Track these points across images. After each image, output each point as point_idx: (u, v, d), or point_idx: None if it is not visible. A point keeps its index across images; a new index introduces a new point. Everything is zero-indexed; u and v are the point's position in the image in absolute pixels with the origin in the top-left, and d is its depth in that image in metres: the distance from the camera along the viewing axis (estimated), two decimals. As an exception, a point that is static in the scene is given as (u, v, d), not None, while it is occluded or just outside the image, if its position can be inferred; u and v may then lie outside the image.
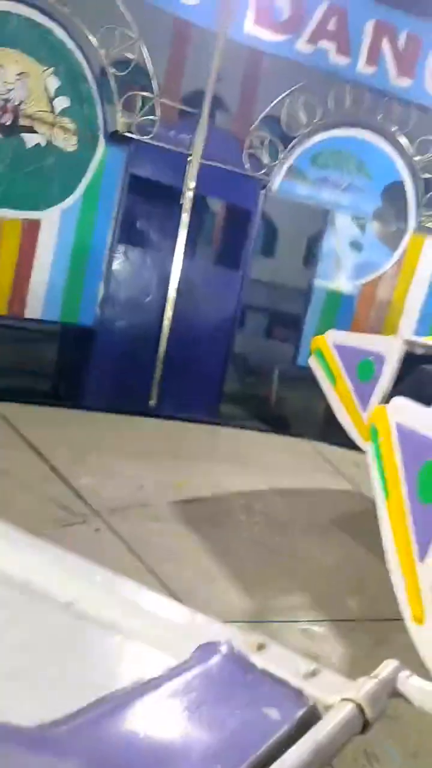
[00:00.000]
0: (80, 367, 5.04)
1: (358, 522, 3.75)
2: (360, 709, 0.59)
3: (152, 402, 5.19)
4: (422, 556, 1.95)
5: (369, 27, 5.10)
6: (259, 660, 0.66)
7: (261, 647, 0.68)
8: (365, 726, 0.59)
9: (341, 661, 2.41)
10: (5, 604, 0.74)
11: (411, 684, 0.64)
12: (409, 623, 1.95)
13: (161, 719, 0.59)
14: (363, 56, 5.15)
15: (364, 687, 0.61)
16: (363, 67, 5.17)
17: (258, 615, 2.57)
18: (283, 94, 5.09)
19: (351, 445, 3.80)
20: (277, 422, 5.87)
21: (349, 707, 0.59)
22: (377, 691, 0.61)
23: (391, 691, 0.64)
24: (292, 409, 6.73)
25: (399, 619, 2.06)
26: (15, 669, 0.64)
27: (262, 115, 5.16)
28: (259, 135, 5.18)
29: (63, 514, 3.05)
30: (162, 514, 3.32)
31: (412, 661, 1.92)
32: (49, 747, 0.53)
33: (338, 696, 0.61)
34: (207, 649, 0.68)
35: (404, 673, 0.65)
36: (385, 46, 5.15)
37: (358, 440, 3.68)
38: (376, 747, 1.96)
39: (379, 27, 5.11)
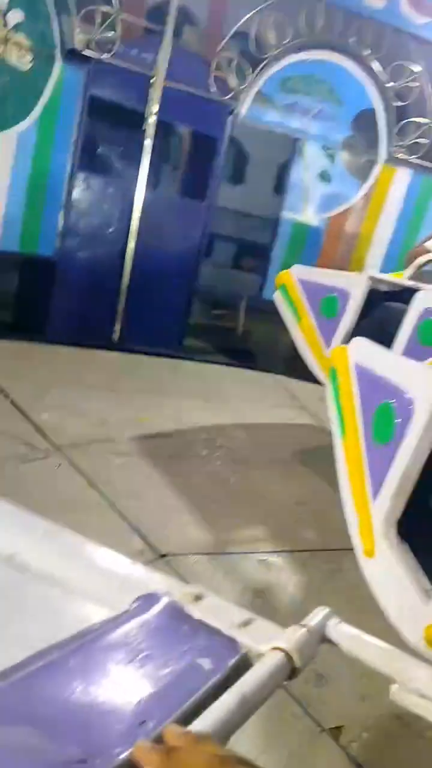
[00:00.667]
0: (41, 299, 4.93)
1: (320, 457, 3.83)
2: (288, 657, 0.61)
3: (115, 335, 5.14)
4: (375, 493, 2.00)
5: None
6: (196, 611, 0.68)
7: (198, 598, 0.69)
8: (293, 673, 0.62)
9: (297, 589, 2.50)
10: None
11: (339, 631, 0.66)
12: (361, 557, 2.02)
13: (96, 671, 0.60)
14: (335, -26, 4.90)
15: (293, 635, 0.63)
16: (335, -14, 4.93)
17: (217, 547, 2.64)
18: (252, 12, 4.84)
19: (315, 380, 3.84)
20: (242, 356, 5.88)
21: (279, 656, 0.61)
22: (306, 640, 0.63)
23: (321, 638, 0.66)
24: (258, 342, 6.74)
25: (353, 549, 2.13)
26: None
27: (230, 33, 4.91)
28: (227, 56, 4.95)
29: (24, 450, 3.04)
30: (124, 449, 3.34)
31: (363, 589, 2.00)
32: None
33: (269, 645, 0.62)
34: (145, 600, 0.69)
35: (333, 621, 0.67)
36: (359, -39, 4.91)
37: (321, 376, 3.72)
38: (326, 667, 2.06)
39: None
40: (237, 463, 3.50)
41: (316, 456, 3.85)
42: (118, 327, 5.12)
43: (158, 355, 5.13)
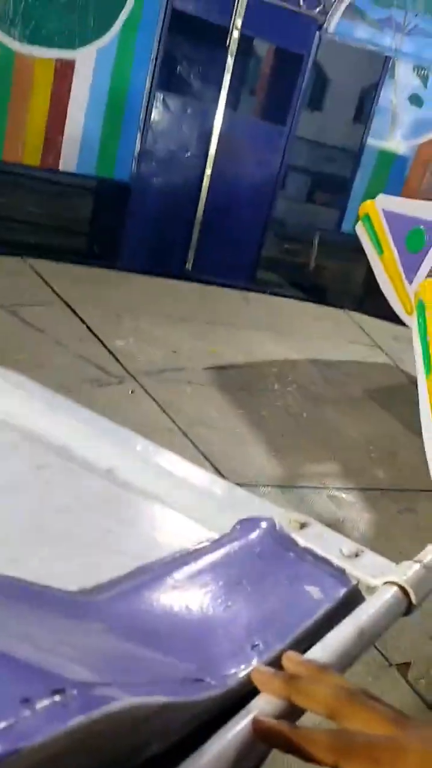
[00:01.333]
0: (115, 225, 4.89)
1: (394, 397, 3.74)
2: (404, 591, 0.58)
3: (188, 265, 5.08)
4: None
5: None
6: (301, 538, 0.64)
7: (303, 526, 0.66)
8: (409, 609, 0.58)
9: (368, 527, 2.48)
10: (45, 468, 0.73)
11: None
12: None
13: (201, 592, 0.58)
14: None
15: (408, 570, 0.59)
16: None
17: (287, 480, 2.63)
18: None
19: (390, 318, 3.70)
20: (315, 290, 5.74)
21: (394, 590, 0.57)
22: (423, 576, 0.59)
23: (435, 577, 0.62)
24: (332, 277, 6.55)
25: (426, 489, 2.08)
26: (56, 533, 0.63)
27: None
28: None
29: (98, 374, 3.08)
30: (196, 379, 3.34)
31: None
32: (90, 613, 0.52)
33: (382, 578, 0.59)
34: (248, 523, 0.66)
35: (450, 553, 0.63)
36: None
37: (401, 313, 3.58)
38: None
39: None
40: (308, 399, 3.45)
41: (389, 396, 3.76)
42: (191, 256, 5.05)
43: (231, 286, 5.06)
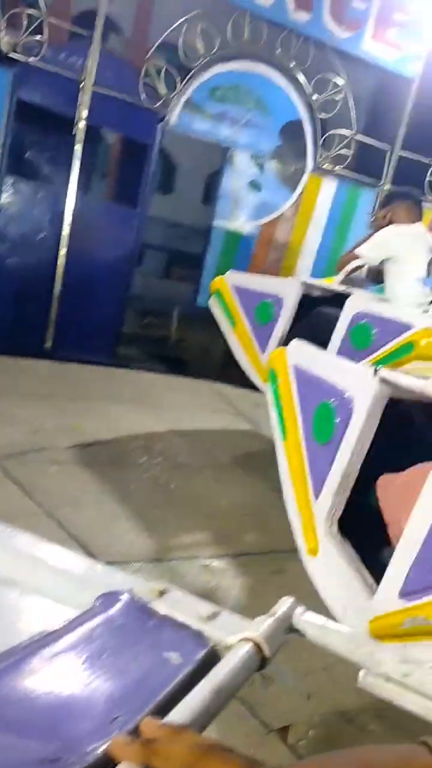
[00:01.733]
0: (-30, 307, 4.77)
1: (258, 461, 3.87)
2: (258, 647, 0.61)
3: (48, 344, 5.03)
4: (317, 493, 2.03)
5: None
6: (160, 606, 0.66)
7: (162, 593, 0.68)
8: (263, 662, 0.61)
9: (240, 592, 2.50)
10: None
11: (305, 620, 0.66)
12: (305, 556, 2.05)
13: (63, 670, 0.58)
14: (262, -14, 4.99)
15: (261, 626, 0.63)
16: (262, -2, 5.02)
17: (158, 554, 2.62)
18: (180, 20, 4.87)
19: (251, 386, 3.88)
20: (176, 363, 5.87)
21: (248, 646, 0.61)
22: (274, 629, 0.63)
23: (288, 627, 0.66)
24: (192, 350, 6.74)
25: (294, 550, 2.15)
26: None
27: (158, 41, 4.93)
28: (155, 63, 4.96)
29: None
30: (60, 458, 3.27)
31: (306, 589, 2.02)
32: None
33: (237, 636, 0.62)
34: (108, 598, 0.67)
35: (299, 610, 0.67)
36: (284, -25, 5.02)
37: (257, 381, 3.76)
38: (270, 668, 2.07)
39: None
40: (176, 469, 3.48)
41: (254, 460, 3.88)
42: (50, 335, 5.02)
43: (91, 363, 5.06)
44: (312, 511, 2.05)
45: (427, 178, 5.90)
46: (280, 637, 0.64)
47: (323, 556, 1.96)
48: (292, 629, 0.67)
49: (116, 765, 0.46)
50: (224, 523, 3.01)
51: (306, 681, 2.11)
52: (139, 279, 6.23)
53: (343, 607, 1.80)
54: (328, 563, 1.93)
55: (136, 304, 7.11)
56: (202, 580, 2.53)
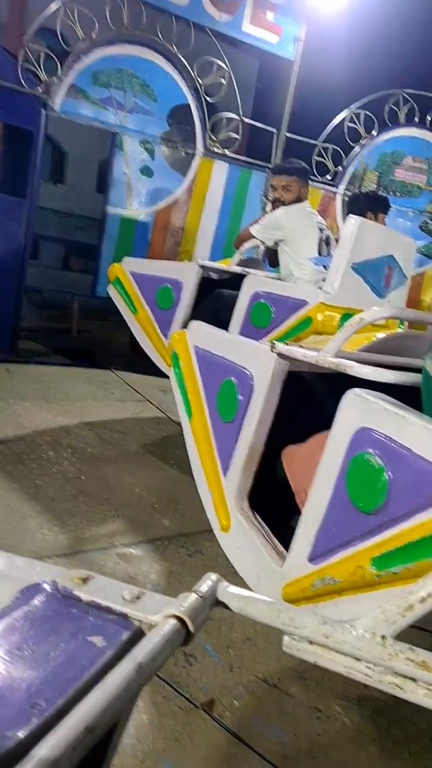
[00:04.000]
0: None
1: (168, 446, 3.89)
2: (182, 622, 0.62)
3: None
4: (225, 470, 2.07)
5: None
6: (83, 593, 0.66)
7: (86, 580, 0.68)
8: (188, 637, 0.63)
9: (159, 576, 2.52)
10: None
11: (229, 592, 0.68)
12: (218, 533, 2.09)
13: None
14: (138, -32, 4.94)
15: (185, 601, 0.64)
16: (139, -20, 4.97)
17: (73, 546, 2.59)
18: (56, 5, 4.74)
19: (157, 372, 3.88)
20: (80, 355, 5.78)
21: (172, 623, 0.62)
22: (198, 604, 0.65)
23: (212, 602, 0.68)
24: (95, 340, 6.66)
25: (209, 530, 2.19)
26: None
27: (35, 26, 4.78)
28: (35, 48, 4.81)
29: None
30: (-37, 461, 3.15)
31: (224, 566, 2.07)
32: None
33: (162, 614, 0.63)
34: (29, 590, 0.67)
35: (223, 584, 0.69)
36: (161, -41, 4.99)
37: (162, 366, 3.78)
38: (193, 647, 2.11)
39: None
40: (85, 461, 3.44)
41: (164, 446, 3.90)
42: None
43: (-10, 360, 4.89)
44: (222, 489, 2.09)
45: (314, 158, 6.07)
46: (205, 612, 0.66)
47: (235, 531, 2.01)
48: (216, 603, 0.69)
49: (32, 750, 0.46)
50: (138, 511, 3.01)
51: (229, 654, 2.16)
52: (35, 271, 6.06)
53: (256, 577, 1.86)
54: (240, 537, 1.99)
55: (34, 298, 6.92)
56: (120, 569, 2.52)
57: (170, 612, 0.63)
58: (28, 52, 4.76)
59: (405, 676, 0.58)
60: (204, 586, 0.68)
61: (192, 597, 0.66)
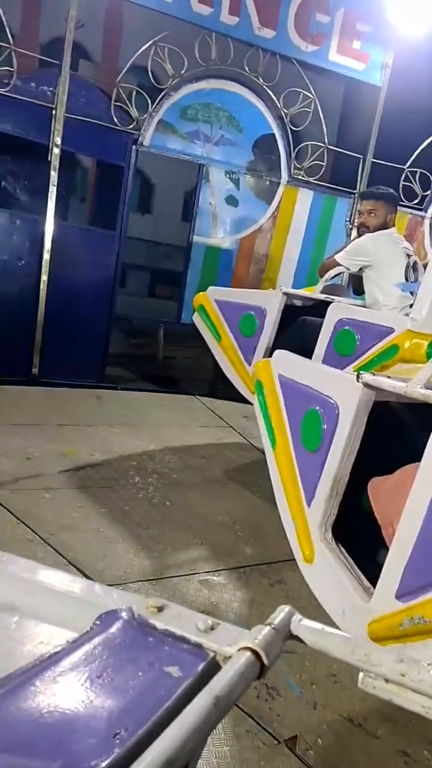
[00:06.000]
0: None
1: (252, 473, 3.89)
2: (257, 655, 0.62)
3: (35, 369, 5.04)
4: (309, 500, 2.05)
5: (229, -25, 5.03)
6: (159, 621, 0.68)
7: (161, 609, 0.69)
8: (262, 670, 0.63)
9: (241, 605, 2.51)
10: None
11: (303, 626, 0.68)
12: (301, 564, 2.06)
13: (64, 691, 0.59)
14: (225, 6, 5.08)
15: (259, 635, 0.64)
16: (226, 18, 5.10)
17: (156, 573, 2.62)
18: (147, 44, 4.95)
19: (240, 399, 3.90)
20: (165, 381, 5.90)
21: (246, 655, 0.62)
22: (272, 637, 0.65)
23: (286, 635, 0.68)
24: (180, 366, 6.77)
25: (292, 559, 2.17)
26: None
27: (127, 65, 5.00)
28: (126, 87, 5.03)
29: None
30: (53, 483, 3.27)
31: (306, 597, 2.03)
32: None
33: (236, 646, 0.63)
34: (108, 617, 0.68)
35: (296, 617, 0.69)
36: (246, -5, 5.12)
37: (246, 393, 3.79)
38: (276, 680, 2.08)
39: (238, -24, 5.06)
40: (170, 487, 3.49)
41: (247, 472, 3.90)
42: (36, 361, 5.03)
43: (80, 386, 5.07)
44: (306, 519, 2.07)
45: (401, 184, 5.99)
46: (279, 645, 0.65)
47: (319, 562, 1.98)
48: (290, 636, 0.68)
49: None
50: (221, 538, 3.01)
51: (312, 690, 2.11)
52: (123, 299, 6.26)
53: (341, 612, 1.82)
54: (325, 569, 1.95)
55: (122, 324, 7.14)
56: (202, 595, 2.53)
57: (245, 644, 0.63)
58: (120, 91, 4.98)
59: None
60: (278, 618, 0.68)
61: (266, 630, 0.66)
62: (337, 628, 1.69)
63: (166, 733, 0.52)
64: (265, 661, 0.62)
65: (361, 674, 0.65)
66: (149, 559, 2.70)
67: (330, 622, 1.84)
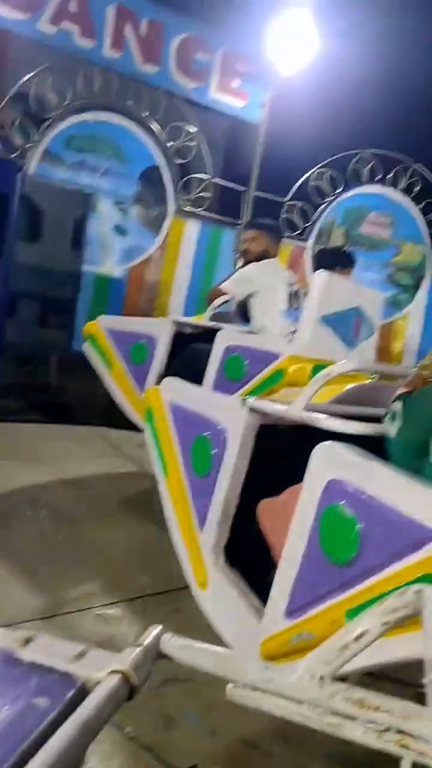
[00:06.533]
0: None
1: (147, 501, 3.85)
2: (125, 677, 0.63)
3: None
4: (201, 525, 2.07)
5: (111, 11, 5.12)
6: (26, 654, 0.67)
7: (28, 641, 0.68)
8: (132, 691, 0.63)
9: (137, 637, 2.47)
10: None
11: (173, 644, 0.69)
12: (195, 590, 2.07)
13: None
14: (108, 40, 5.16)
15: (129, 657, 0.65)
16: (109, 51, 5.18)
17: (50, 610, 2.53)
18: (30, 74, 4.93)
19: (134, 427, 3.88)
20: (57, 411, 5.76)
21: (116, 678, 0.62)
22: (141, 658, 0.65)
23: (156, 655, 0.68)
24: (72, 396, 6.64)
25: (186, 586, 2.17)
26: None
27: (10, 94, 4.95)
28: (10, 115, 4.97)
29: None
30: None
31: (203, 624, 2.04)
32: None
33: (106, 670, 0.64)
34: (-30, 656, 0.67)
35: (167, 636, 0.70)
36: (129, 31, 5.21)
37: (138, 421, 3.78)
38: (172, 710, 2.06)
39: (120, 12, 5.16)
40: (64, 520, 3.40)
41: (143, 501, 3.86)
42: None
43: (-34, 420, 4.86)
44: (198, 544, 2.08)
45: (283, 216, 6.26)
46: (148, 665, 0.66)
47: (212, 587, 1.99)
48: (161, 655, 0.69)
49: None
50: (116, 569, 2.97)
51: (210, 717, 2.11)
52: (11, 328, 6.09)
53: (234, 635, 1.84)
54: (218, 594, 1.97)
55: (11, 354, 6.93)
56: (98, 630, 2.48)
57: (113, 668, 0.64)
58: (4, 120, 4.91)
59: (344, 715, 0.59)
60: (147, 639, 0.69)
61: (135, 651, 0.67)
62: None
63: (31, 763, 0.52)
64: (135, 681, 0.63)
65: (229, 685, 0.67)
66: (42, 597, 2.61)
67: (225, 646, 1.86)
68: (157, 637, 0.69)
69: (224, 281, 4.03)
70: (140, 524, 3.53)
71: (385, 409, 1.77)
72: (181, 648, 0.68)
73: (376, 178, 6.64)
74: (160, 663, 0.72)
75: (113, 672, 0.63)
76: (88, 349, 4.10)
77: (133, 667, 0.63)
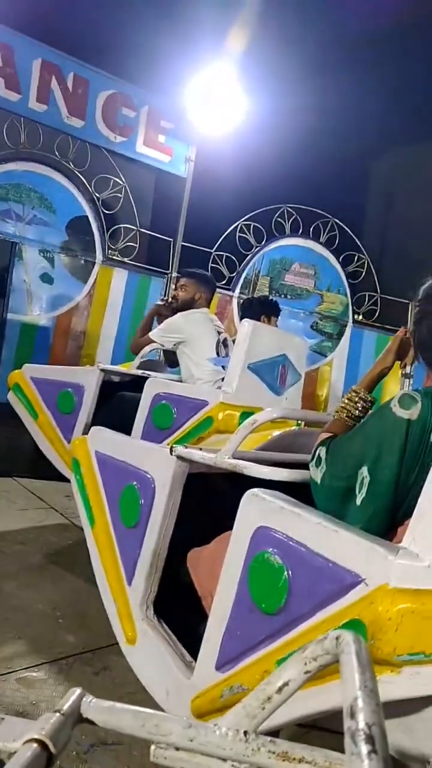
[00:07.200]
0: None
1: (74, 554, 3.74)
2: (43, 745, 0.59)
3: None
4: (129, 578, 2.02)
5: (36, 65, 5.20)
6: None
7: None
8: (50, 761, 0.60)
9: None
10: None
11: (94, 707, 0.66)
12: (124, 646, 2.00)
13: None
14: (33, 93, 5.22)
15: (47, 723, 0.62)
16: (34, 104, 5.24)
17: (-31, 676, 2.39)
18: None
19: (61, 478, 3.79)
20: (-21, 464, 5.54)
21: (33, 747, 0.59)
22: (60, 724, 0.62)
23: (76, 719, 0.65)
24: (-5, 447, 6.42)
25: (117, 643, 2.10)
26: None
27: None
28: None
29: None
30: None
31: (134, 682, 1.97)
32: None
33: (22, 740, 0.60)
34: None
35: (87, 699, 0.67)
36: (54, 85, 5.30)
37: (65, 472, 3.70)
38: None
39: (45, 66, 5.24)
40: (-16, 579, 3.24)
41: (70, 554, 3.74)
42: None
43: None
44: (127, 598, 2.03)
45: (210, 266, 6.39)
46: (68, 731, 0.63)
47: (141, 642, 1.93)
48: (81, 719, 0.66)
49: None
50: (41, 629, 2.84)
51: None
52: None
53: (165, 692, 1.78)
54: (147, 649, 1.91)
55: None
56: (20, 695, 2.34)
57: (30, 736, 0.60)
58: None
59: (268, 769, 0.58)
60: (67, 703, 0.66)
61: (53, 717, 0.63)
62: (162, 710, 1.65)
63: None
64: (53, 750, 0.60)
65: (152, 747, 0.64)
66: (-41, 663, 2.46)
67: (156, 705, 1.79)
68: (77, 701, 0.66)
69: (152, 330, 4.05)
70: (67, 579, 3.41)
71: (310, 454, 1.80)
72: (102, 710, 0.65)
73: (299, 231, 6.91)
74: (88, 727, 0.69)
75: (29, 741, 0.59)
76: (12, 398, 4.00)
77: (50, 735, 0.60)
